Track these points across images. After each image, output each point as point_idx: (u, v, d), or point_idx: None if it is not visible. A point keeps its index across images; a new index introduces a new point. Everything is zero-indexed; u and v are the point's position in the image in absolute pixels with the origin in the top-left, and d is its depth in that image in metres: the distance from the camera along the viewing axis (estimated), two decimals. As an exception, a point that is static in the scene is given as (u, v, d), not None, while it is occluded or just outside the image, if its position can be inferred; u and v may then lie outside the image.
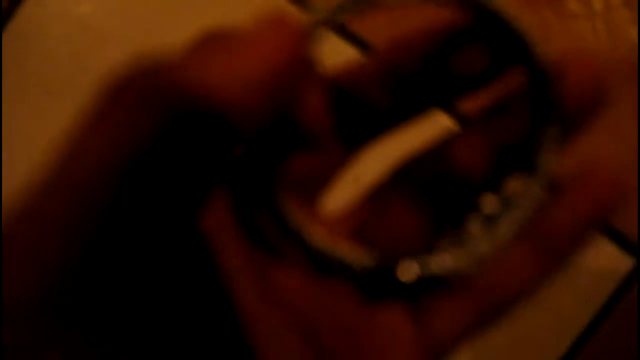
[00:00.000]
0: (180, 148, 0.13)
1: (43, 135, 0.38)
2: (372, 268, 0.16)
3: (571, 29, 0.41)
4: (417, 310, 0.17)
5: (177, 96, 0.13)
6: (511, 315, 0.16)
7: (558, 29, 0.41)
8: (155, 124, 0.13)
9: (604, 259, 0.39)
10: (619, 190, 0.16)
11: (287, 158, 0.17)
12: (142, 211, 0.13)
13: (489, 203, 0.16)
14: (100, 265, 0.13)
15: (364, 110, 0.17)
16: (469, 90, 0.17)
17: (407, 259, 0.16)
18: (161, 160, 0.13)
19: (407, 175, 0.18)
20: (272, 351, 0.15)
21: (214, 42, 0.14)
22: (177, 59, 0.14)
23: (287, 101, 0.15)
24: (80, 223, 0.13)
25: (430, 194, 0.17)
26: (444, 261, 0.16)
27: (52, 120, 0.41)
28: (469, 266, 0.16)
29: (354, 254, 0.16)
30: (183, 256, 0.15)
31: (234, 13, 0.41)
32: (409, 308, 0.17)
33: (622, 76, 0.40)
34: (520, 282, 0.16)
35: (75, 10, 0.42)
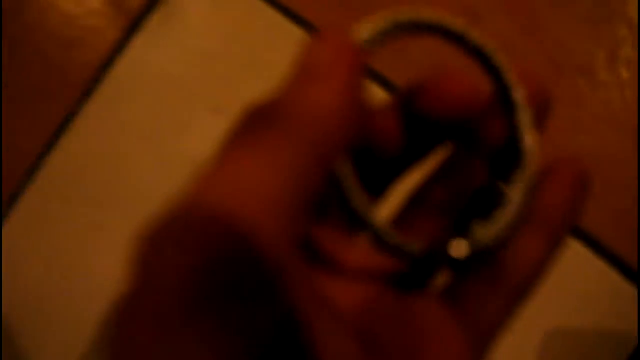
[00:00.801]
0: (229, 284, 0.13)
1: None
2: (426, 250, 0.17)
3: (602, 97, 0.46)
4: (457, 301, 0.18)
5: (216, 233, 0.13)
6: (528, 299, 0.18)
7: (589, 97, 0.46)
8: (202, 267, 0.13)
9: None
10: (587, 170, 0.18)
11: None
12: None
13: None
14: None
15: (380, 159, 0.19)
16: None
17: (455, 238, 0.17)
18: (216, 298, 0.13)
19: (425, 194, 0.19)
20: (329, 350, 0.15)
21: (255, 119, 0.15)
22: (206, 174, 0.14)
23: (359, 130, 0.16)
24: None
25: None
26: (486, 232, 0.17)
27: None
28: (508, 233, 0.17)
29: (407, 240, 0.18)
30: None
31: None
32: (449, 300, 0.18)
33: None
34: (534, 263, 0.17)
35: (170, 69, 0.49)
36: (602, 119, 0.46)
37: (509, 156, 0.18)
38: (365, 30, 0.17)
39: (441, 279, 0.18)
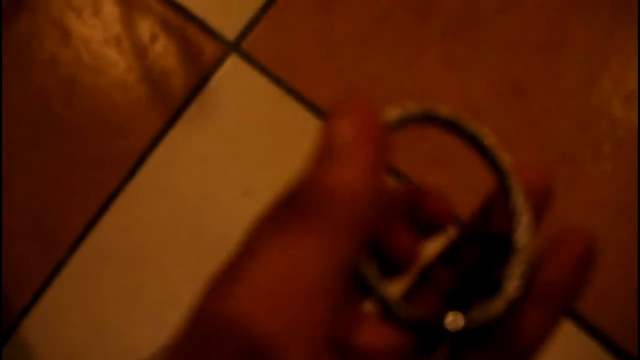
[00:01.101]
0: None
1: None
2: (423, 319, 0.18)
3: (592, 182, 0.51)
4: None
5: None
6: None
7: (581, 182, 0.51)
8: None
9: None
10: (594, 242, 0.17)
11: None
12: None
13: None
14: None
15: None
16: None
17: (453, 311, 0.17)
18: None
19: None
20: None
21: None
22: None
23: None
24: None
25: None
26: (484, 310, 0.17)
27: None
28: (504, 311, 0.17)
29: (408, 309, 0.18)
30: None
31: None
32: None
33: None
34: (536, 336, 0.17)
35: (205, 155, 0.55)
36: (594, 203, 0.51)
37: (506, 244, 0.19)
38: (390, 113, 0.18)
39: (444, 351, 0.18)
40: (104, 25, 0.60)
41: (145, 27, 0.58)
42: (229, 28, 0.55)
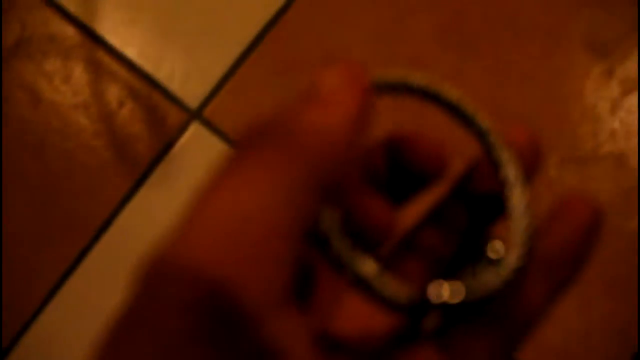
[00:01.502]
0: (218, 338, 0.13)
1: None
2: (417, 298, 0.16)
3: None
4: (449, 346, 0.17)
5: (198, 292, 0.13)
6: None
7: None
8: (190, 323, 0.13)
9: None
10: (599, 211, 0.16)
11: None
12: None
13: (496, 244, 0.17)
14: None
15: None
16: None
17: (453, 281, 0.16)
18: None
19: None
20: None
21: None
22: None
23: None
24: None
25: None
26: (483, 281, 0.16)
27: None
28: (506, 282, 0.16)
29: (398, 286, 0.16)
30: None
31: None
32: (441, 350, 0.17)
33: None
34: (535, 309, 0.16)
35: (165, 213, 0.57)
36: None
37: (498, 205, 0.18)
38: (376, 76, 0.17)
39: (433, 323, 0.17)
40: (73, 91, 0.63)
41: (113, 94, 0.61)
42: (192, 96, 0.58)
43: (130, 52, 0.61)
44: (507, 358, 0.17)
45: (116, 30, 0.63)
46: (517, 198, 0.17)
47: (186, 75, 0.60)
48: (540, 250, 0.16)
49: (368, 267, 0.16)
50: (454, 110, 0.18)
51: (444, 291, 0.16)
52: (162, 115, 0.59)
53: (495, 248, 0.17)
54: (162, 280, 0.14)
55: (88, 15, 0.63)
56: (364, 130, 0.15)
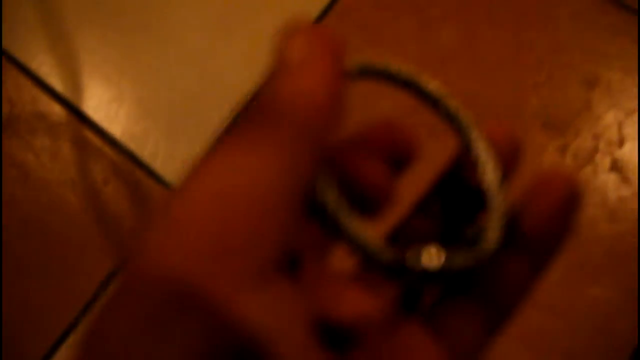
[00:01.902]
0: None
1: None
2: (398, 257, 0.16)
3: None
4: (438, 323, 0.17)
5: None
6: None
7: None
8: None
9: None
10: (577, 184, 0.16)
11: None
12: None
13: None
14: None
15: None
16: None
17: (433, 247, 0.16)
18: None
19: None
20: None
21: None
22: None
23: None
24: None
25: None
26: (463, 257, 0.16)
27: None
28: (484, 256, 0.16)
29: (381, 246, 0.16)
30: None
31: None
32: (431, 322, 0.17)
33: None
34: (518, 286, 0.17)
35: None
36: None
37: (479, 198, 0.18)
38: (359, 61, 0.17)
39: (422, 302, 0.17)
40: (60, 168, 0.65)
41: (98, 171, 0.64)
42: (175, 174, 0.61)
43: (115, 130, 0.64)
44: (493, 335, 0.17)
45: (101, 109, 0.66)
46: (490, 182, 0.17)
47: (169, 153, 0.62)
48: (521, 226, 0.16)
49: (366, 232, 0.16)
50: (435, 103, 0.18)
51: (423, 255, 0.16)
52: (146, 192, 0.61)
53: (473, 231, 0.17)
54: (135, 283, 0.14)
55: (74, 94, 0.66)
56: (342, 94, 0.15)
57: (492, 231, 0.17)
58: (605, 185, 0.53)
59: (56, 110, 0.66)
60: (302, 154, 0.14)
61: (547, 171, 0.17)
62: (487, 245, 0.16)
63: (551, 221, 0.16)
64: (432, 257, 0.16)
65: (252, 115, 0.15)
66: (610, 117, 0.56)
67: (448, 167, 0.19)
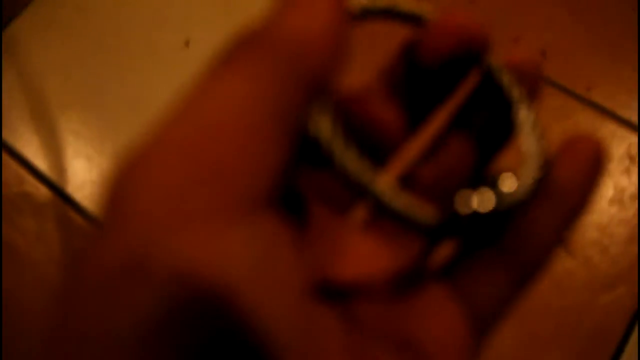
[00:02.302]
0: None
1: None
2: (447, 212, 0.15)
3: None
4: (459, 279, 0.16)
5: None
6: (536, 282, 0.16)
7: None
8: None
9: None
10: (602, 147, 0.16)
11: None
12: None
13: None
14: None
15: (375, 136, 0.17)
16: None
17: (482, 188, 0.15)
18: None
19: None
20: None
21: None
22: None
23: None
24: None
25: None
26: (512, 189, 0.15)
27: None
28: (532, 192, 0.15)
29: (421, 205, 0.15)
30: None
31: None
32: (451, 278, 0.16)
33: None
34: (545, 242, 0.16)
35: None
36: None
37: (499, 134, 0.17)
38: (353, 3, 0.17)
39: (442, 254, 0.16)
40: (45, 246, 0.69)
41: (82, 250, 0.67)
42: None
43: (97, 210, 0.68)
44: (518, 294, 0.16)
45: (84, 189, 0.69)
46: (524, 114, 0.16)
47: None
48: (549, 182, 0.16)
49: (383, 184, 0.14)
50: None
51: (473, 200, 0.14)
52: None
53: (492, 175, 0.15)
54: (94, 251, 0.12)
55: (58, 175, 0.70)
56: (343, 34, 0.15)
57: (527, 175, 0.16)
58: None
59: (41, 190, 0.70)
60: (294, 86, 0.14)
61: (575, 135, 0.17)
62: (528, 175, 0.15)
63: (582, 176, 0.16)
64: (484, 199, 0.15)
65: (250, 44, 0.14)
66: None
67: (463, 103, 0.18)
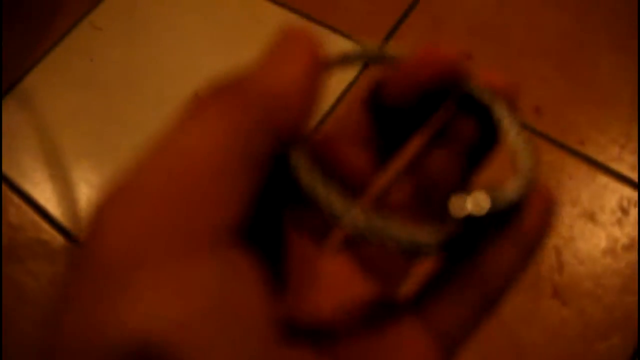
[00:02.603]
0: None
1: None
2: (452, 227, 0.15)
3: None
4: (423, 311, 0.17)
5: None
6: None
7: None
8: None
9: None
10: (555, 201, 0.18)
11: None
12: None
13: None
14: None
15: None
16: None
17: (477, 192, 0.15)
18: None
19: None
20: None
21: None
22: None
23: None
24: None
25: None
26: (506, 190, 0.15)
27: None
28: (527, 191, 0.16)
29: (421, 229, 0.15)
30: None
31: None
32: (419, 308, 0.17)
33: None
34: (507, 272, 0.17)
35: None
36: None
37: (482, 150, 0.18)
38: (331, 55, 0.17)
39: (409, 286, 0.17)
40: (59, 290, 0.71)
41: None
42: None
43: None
44: (480, 322, 0.17)
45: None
46: (509, 121, 0.17)
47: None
48: (516, 224, 0.17)
49: (367, 216, 0.15)
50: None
51: (467, 203, 0.14)
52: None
53: (456, 196, 0.15)
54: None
55: (72, 222, 0.73)
56: (315, 90, 0.16)
57: (519, 176, 0.16)
58: (549, 309, 0.60)
59: (55, 236, 0.73)
60: (262, 132, 0.14)
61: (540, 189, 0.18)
62: (523, 176, 0.16)
63: (540, 220, 0.17)
64: (479, 201, 0.14)
65: (222, 91, 0.15)
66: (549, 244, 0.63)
67: (442, 124, 0.19)
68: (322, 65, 0.16)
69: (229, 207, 0.13)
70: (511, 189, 0.15)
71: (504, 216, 0.15)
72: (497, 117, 0.17)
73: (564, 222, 0.64)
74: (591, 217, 0.64)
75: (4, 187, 0.76)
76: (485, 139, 0.18)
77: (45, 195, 0.75)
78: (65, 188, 0.75)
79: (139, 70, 0.82)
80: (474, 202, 0.14)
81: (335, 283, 0.17)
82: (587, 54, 0.72)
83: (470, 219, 0.14)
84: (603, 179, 0.65)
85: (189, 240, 0.12)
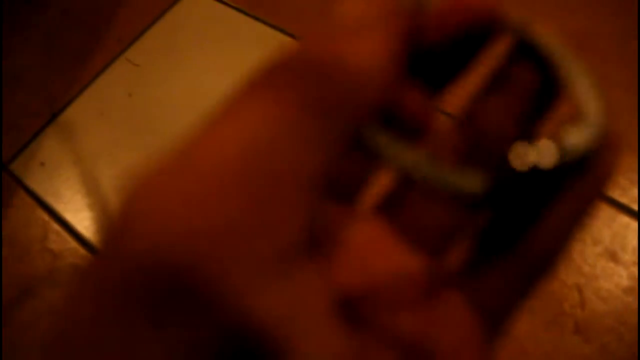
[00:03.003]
0: None
1: None
2: (500, 172, 0.13)
3: None
4: (468, 288, 0.15)
5: None
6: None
7: None
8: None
9: None
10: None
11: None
12: None
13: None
14: None
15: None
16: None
17: (544, 140, 0.13)
18: None
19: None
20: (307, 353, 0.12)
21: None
22: None
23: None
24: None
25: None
26: (575, 138, 0.13)
27: None
28: (596, 142, 0.13)
29: (467, 173, 0.14)
30: None
31: None
32: (462, 288, 0.15)
33: None
34: (554, 242, 0.15)
35: None
36: None
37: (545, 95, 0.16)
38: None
39: (455, 258, 0.16)
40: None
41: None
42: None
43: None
44: (527, 295, 0.15)
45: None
46: (576, 68, 0.15)
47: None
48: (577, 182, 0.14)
49: (421, 157, 0.14)
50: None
51: (531, 154, 0.13)
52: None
53: (567, 128, 0.13)
54: (111, 259, 0.12)
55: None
56: (402, 50, 0.14)
57: (588, 125, 0.13)
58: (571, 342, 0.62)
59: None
60: (339, 129, 0.13)
61: None
62: (590, 123, 0.13)
63: (606, 176, 0.15)
64: (544, 151, 0.13)
65: (294, 71, 0.12)
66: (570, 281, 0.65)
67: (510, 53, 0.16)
68: (405, 25, 0.14)
69: (303, 222, 0.12)
70: (581, 138, 0.13)
71: (570, 170, 0.13)
72: (557, 63, 0.15)
73: (586, 261, 0.66)
74: (612, 256, 0.66)
75: (47, 215, 0.80)
76: (546, 88, 0.16)
77: (84, 223, 0.78)
78: (103, 216, 0.78)
79: (175, 105, 0.85)
80: (539, 153, 0.13)
81: (375, 250, 0.15)
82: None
83: (531, 173, 0.13)
84: (624, 219, 0.67)
85: (255, 258, 0.11)
